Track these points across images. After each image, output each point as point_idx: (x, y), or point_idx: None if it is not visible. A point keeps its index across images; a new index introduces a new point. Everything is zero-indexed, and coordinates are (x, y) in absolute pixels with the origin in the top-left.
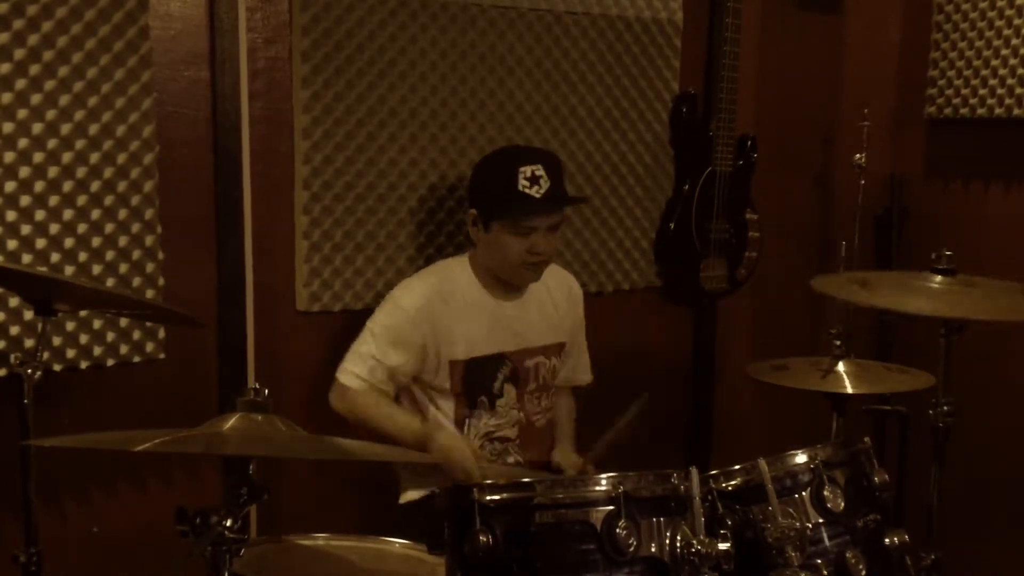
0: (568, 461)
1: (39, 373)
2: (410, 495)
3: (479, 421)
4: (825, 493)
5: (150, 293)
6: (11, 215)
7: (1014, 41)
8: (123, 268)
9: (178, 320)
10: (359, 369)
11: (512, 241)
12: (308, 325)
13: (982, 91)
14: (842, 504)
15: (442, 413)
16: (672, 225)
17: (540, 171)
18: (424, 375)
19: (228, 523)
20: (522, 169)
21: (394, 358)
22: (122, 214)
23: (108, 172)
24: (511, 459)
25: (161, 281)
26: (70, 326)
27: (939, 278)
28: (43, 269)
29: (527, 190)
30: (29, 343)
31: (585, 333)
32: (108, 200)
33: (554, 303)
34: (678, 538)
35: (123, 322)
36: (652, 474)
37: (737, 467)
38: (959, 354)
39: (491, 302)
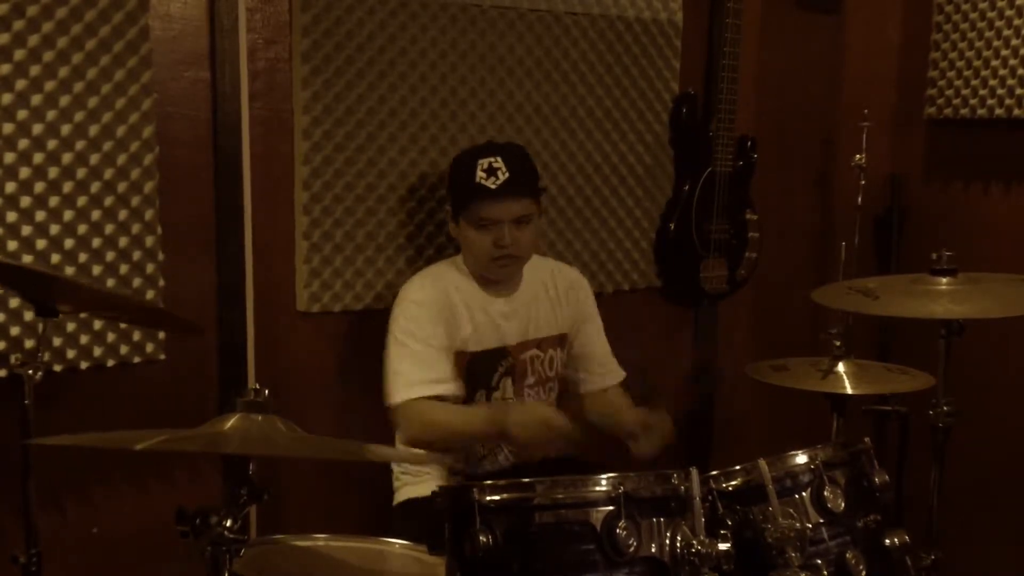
0: (630, 415)
1: (39, 374)
2: (405, 495)
3: None
4: (825, 493)
5: (150, 294)
6: (11, 216)
7: (1014, 41)
8: (123, 269)
9: (177, 326)
10: (404, 383)
11: (476, 235)
12: (308, 325)
13: (982, 91)
14: (842, 504)
15: None
16: (672, 225)
17: (498, 163)
18: None
19: (228, 523)
20: (480, 161)
21: (431, 355)
22: (122, 215)
23: (108, 173)
24: (502, 456)
25: (161, 282)
26: (70, 327)
27: (944, 279)
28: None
29: (483, 181)
30: (30, 344)
31: (603, 332)
32: (108, 201)
33: (552, 294)
34: (678, 538)
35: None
36: (652, 474)
37: (737, 467)
38: (959, 354)
39: (483, 297)
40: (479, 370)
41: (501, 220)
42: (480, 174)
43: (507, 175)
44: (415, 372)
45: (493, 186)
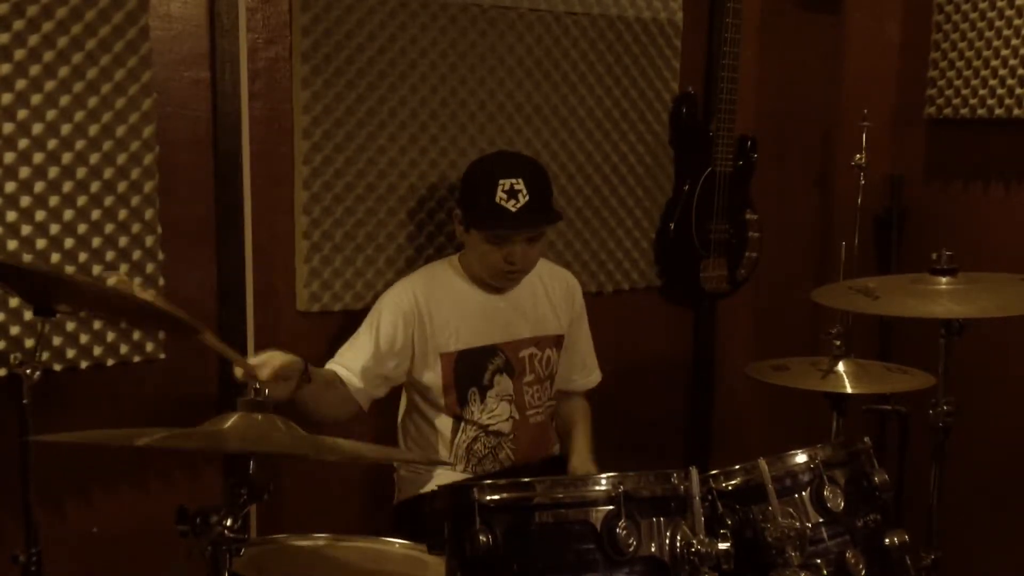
0: (583, 469)
1: (39, 373)
2: (405, 494)
3: (471, 415)
4: (825, 493)
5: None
6: (11, 215)
7: (1014, 41)
8: (123, 269)
9: (176, 327)
10: (337, 360)
11: (488, 249)
12: (308, 325)
13: (982, 91)
14: (842, 504)
15: (435, 407)
16: (672, 225)
17: (520, 185)
18: (415, 372)
19: (228, 523)
20: (501, 182)
21: (366, 350)
22: (122, 215)
23: (108, 173)
24: (503, 454)
25: (161, 281)
26: (70, 326)
27: (944, 279)
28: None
29: (504, 203)
30: (29, 343)
31: (590, 333)
32: (108, 201)
33: (549, 295)
34: (678, 538)
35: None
36: (652, 474)
37: (737, 467)
38: (959, 354)
39: (480, 295)
40: (470, 368)
41: (516, 239)
42: (500, 195)
43: (527, 199)
44: (344, 352)
45: (514, 209)
